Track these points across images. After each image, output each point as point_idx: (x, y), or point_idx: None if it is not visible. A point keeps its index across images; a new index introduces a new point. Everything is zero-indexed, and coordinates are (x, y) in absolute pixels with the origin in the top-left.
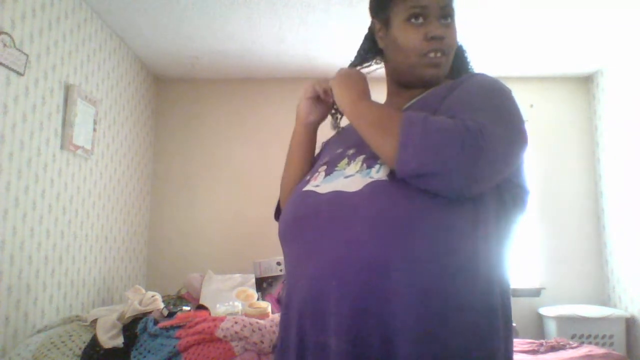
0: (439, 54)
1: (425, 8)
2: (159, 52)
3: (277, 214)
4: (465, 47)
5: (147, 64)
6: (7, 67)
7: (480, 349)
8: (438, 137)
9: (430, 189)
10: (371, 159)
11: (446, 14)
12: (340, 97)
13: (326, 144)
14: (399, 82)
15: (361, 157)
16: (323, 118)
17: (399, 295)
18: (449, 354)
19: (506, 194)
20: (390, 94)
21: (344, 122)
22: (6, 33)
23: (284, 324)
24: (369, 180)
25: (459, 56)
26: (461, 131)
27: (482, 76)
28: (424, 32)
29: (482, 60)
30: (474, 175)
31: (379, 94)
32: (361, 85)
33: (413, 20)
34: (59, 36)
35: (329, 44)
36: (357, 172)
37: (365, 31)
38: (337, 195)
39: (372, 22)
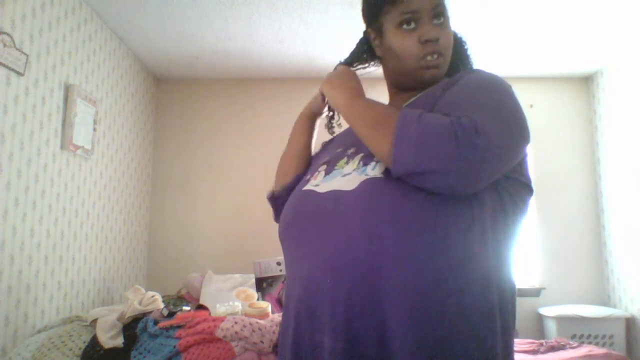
0: (435, 56)
1: (416, 12)
2: (159, 52)
3: (271, 196)
4: (465, 39)
5: (147, 64)
6: (7, 67)
7: (476, 347)
8: (433, 134)
9: (426, 187)
10: (368, 157)
11: (438, 13)
12: (334, 98)
13: (327, 144)
14: (398, 86)
15: (359, 156)
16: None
17: (393, 294)
18: (444, 353)
19: (505, 192)
20: (390, 96)
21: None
22: (6, 33)
23: (283, 323)
24: (364, 177)
25: (458, 50)
26: (455, 128)
27: (479, 72)
28: (418, 36)
29: (482, 60)
30: (469, 173)
31: (379, 93)
32: (354, 83)
33: (405, 26)
34: (59, 36)
35: (329, 44)
36: (353, 170)
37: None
38: (335, 194)
39: (367, 31)
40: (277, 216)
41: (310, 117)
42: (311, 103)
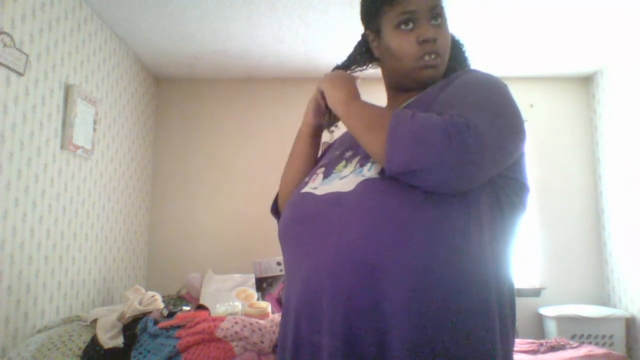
0: (433, 56)
1: (414, 12)
2: (159, 52)
3: (274, 210)
4: (462, 42)
5: (147, 64)
6: (7, 67)
7: (475, 348)
8: (424, 132)
9: (420, 185)
10: (365, 159)
11: (436, 14)
12: (332, 98)
13: (328, 147)
14: (397, 87)
15: (357, 158)
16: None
17: (391, 294)
18: (443, 354)
19: (501, 191)
20: (388, 98)
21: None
22: (6, 33)
23: (283, 324)
24: (361, 178)
25: (456, 51)
26: (447, 126)
27: (475, 72)
28: (416, 36)
29: (482, 60)
30: (462, 170)
31: (371, 93)
32: (352, 86)
33: (403, 26)
34: (59, 36)
35: (329, 44)
36: (351, 172)
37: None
38: (333, 196)
39: (365, 33)
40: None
41: (310, 133)
42: (307, 114)
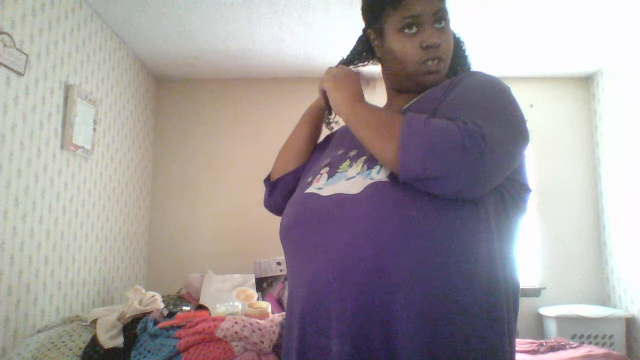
0: (436, 62)
1: (418, 17)
2: (159, 52)
3: (267, 183)
4: (463, 40)
5: (147, 64)
6: (7, 67)
7: (484, 350)
8: (440, 140)
9: (433, 192)
10: (372, 160)
11: (440, 18)
12: (335, 99)
13: (330, 138)
14: (397, 88)
15: (362, 159)
16: None
17: (400, 297)
18: (452, 356)
19: (506, 192)
20: (389, 97)
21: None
22: (6, 33)
23: (287, 325)
24: (370, 181)
25: (457, 51)
26: (462, 134)
27: (480, 75)
28: (419, 42)
29: (482, 60)
30: (476, 178)
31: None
32: (355, 86)
33: (407, 30)
34: (59, 36)
35: (329, 44)
36: (357, 173)
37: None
38: (339, 197)
39: (367, 31)
40: (268, 200)
41: (320, 110)
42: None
